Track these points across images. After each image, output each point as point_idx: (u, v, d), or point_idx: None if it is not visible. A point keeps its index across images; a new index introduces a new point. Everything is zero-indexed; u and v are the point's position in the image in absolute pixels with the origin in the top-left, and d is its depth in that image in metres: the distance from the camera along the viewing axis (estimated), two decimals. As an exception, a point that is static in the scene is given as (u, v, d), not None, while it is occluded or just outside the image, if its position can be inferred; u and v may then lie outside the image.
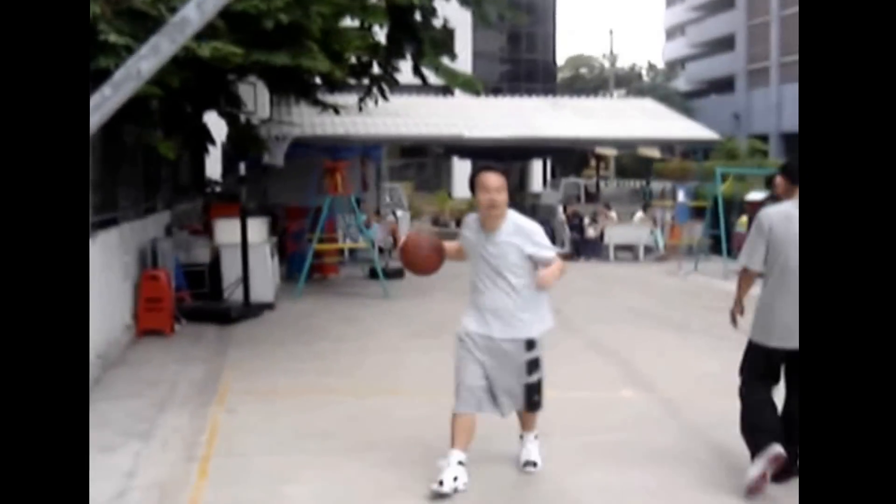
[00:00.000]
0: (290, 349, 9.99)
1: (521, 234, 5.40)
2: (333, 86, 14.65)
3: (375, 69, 15.18)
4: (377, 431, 6.70)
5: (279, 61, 10.05)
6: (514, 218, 5.44)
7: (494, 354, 5.46)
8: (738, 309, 5.92)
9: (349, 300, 13.75)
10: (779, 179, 6.12)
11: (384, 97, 15.90)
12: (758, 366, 5.57)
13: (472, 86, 14.98)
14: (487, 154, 26.77)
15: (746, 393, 5.62)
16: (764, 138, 53.52)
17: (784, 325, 5.29)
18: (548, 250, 5.43)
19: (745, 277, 5.75)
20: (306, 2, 9.77)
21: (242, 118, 12.29)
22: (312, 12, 9.92)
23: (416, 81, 15.47)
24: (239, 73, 11.53)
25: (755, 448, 5.36)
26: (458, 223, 33.11)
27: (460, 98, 15.85)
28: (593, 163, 29.54)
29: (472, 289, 5.56)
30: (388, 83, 15.60)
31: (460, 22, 18.49)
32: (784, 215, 5.39)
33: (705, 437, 6.62)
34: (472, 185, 5.47)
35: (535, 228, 5.47)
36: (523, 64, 62.40)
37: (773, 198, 19.03)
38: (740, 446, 5.62)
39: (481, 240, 5.47)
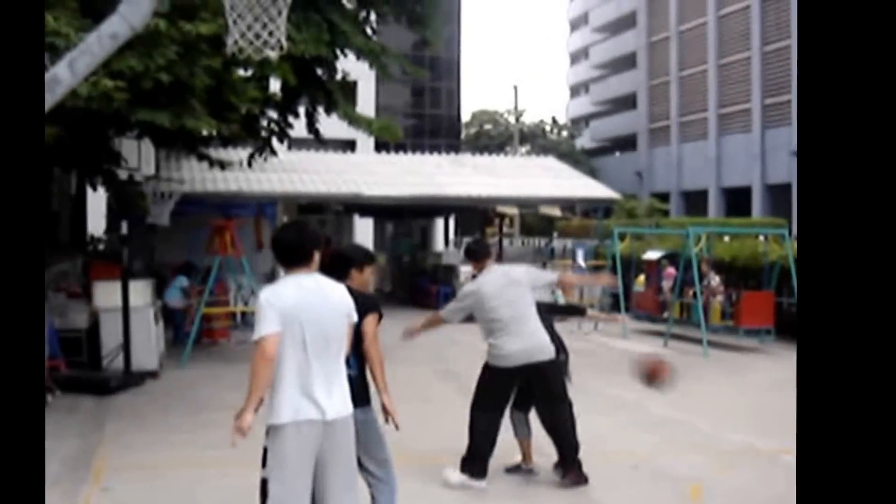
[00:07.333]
0: (174, 420, 9.50)
1: None
2: (225, 140, 14.21)
3: (267, 123, 14.86)
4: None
5: (161, 121, 9.63)
6: None
7: None
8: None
9: (239, 367, 13.10)
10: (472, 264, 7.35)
11: (273, 152, 15.53)
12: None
13: (391, 131, 14.83)
14: (388, 212, 26.52)
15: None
16: (665, 196, 54.72)
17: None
18: None
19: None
20: (193, 57, 9.35)
21: (124, 174, 11.69)
22: (198, 69, 9.50)
23: (310, 137, 15.16)
24: (118, 127, 11.02)
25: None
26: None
27: (360, 155, 15.62)
28: (497, 221, 29.46)
29: None
30: (280, 137, 15.27)
31: (363, 75, 18.22)
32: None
33: None
34: None
35: None
36: (428, 119, 62.40)
37: (670, 256, 18.87)
38: None
39: None
